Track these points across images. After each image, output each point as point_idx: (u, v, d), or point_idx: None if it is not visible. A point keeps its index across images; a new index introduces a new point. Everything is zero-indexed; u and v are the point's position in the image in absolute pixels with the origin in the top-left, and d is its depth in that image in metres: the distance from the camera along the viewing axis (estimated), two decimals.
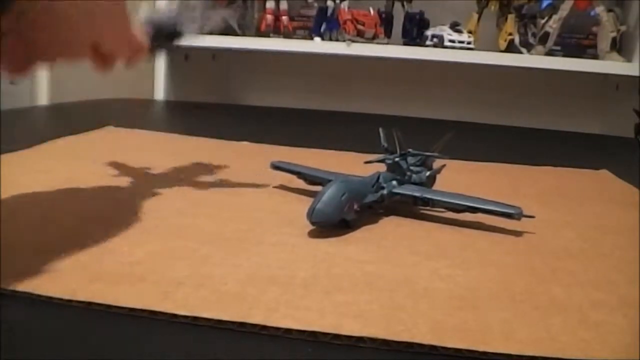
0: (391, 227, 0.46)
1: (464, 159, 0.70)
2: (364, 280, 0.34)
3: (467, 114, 1.36)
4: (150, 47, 0.45)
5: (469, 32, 1.34)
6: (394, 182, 0.48)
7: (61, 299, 0.30)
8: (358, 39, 1.31)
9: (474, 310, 0.31)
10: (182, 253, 0.37)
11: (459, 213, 0.46)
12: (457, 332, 0.29)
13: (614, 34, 1.32)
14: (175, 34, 0.48)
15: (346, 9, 1.32)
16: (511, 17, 1.36)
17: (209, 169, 0.60)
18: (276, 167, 0.54)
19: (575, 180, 0.68)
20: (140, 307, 0.29)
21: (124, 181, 0.54)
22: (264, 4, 1.41)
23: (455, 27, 1.31)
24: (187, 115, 1.12)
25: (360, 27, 1.31)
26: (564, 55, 1.34)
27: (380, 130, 0.51)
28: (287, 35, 1.40)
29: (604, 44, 1.33)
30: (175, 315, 0.29)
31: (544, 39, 1.35)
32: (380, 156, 0.51)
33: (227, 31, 1.48)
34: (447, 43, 1.29)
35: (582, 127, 1.40)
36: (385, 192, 0.47)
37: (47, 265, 0.34)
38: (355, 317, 0.30)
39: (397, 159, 0.49)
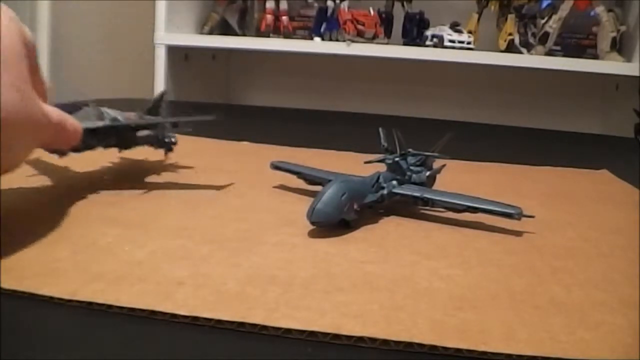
0: (391, 227, 0.46)
1: (464, 159, 0.71)
2: (364, 280, 0.34)
3: (467, 114, 1.36)
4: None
5: (469, 32, 1.34)
6: (394, 182, 0.48)
7: (61, 299, 0.30)
8: (358, 39, 1.31)
9: (474, 310, 0.31)
10: (182, 253, 0.37)
11: (459, 213, 0.46)
12: (457, 332, 0.29)
13: (614, 34, 1.33)
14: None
15: (346, 9, 1.33)
16: (511, 17, 1.36)
17: (208, 168, 0.60)
18: (276, 167, 0.54)
19: (575, 180, 0.68)
20: (140, 307, 0.29)
21: (124, 181, 0.54)
22: (264, 4, 1.42)
23: (455, 27, 1.31)
24: (187, 115, 1.11)
25: (360, 27, 1.31)
26: (564, 55, 1.34)
27: (380, 130, 0.51)
28: (287, 35, 1.41)
29: (604, 44, 1.34)
30: (175, 315, 0.29)
31: (544, 39, 1.35)
32: (380, 156, 0.50)
33: (227, 31, 1.48)
34: (447, 43, 1.29)
35: (582, 127, 1.40)
36: (385, 192, 0.47)
37: (47, 265, 0.34)
38: (355, 317, 0.30)
39: (397, 159, 0.49)
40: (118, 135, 0.53)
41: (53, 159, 0.49)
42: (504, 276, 0.37)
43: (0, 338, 0.26)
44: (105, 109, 0.53)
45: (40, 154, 0.59)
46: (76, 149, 0.48)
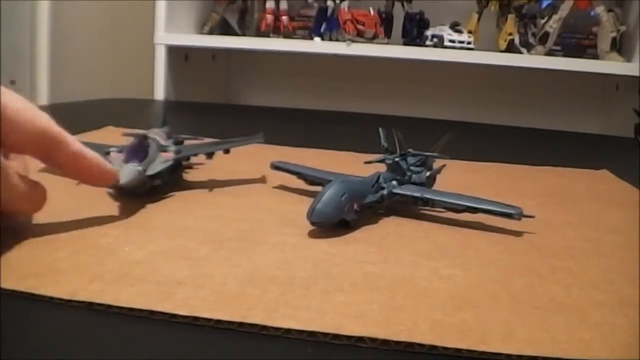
0: (391, 227, 0.46)
1: (464, 159, 0.71)
2: (364, 280, 0.34)
3: (467, 114, 1.36)
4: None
5: (469, 32, 1.34)
6: (394, 182, 0.48)
7: (61, 299, 0.30)
8: (358, 39, 1.31)
9: (474, 310, 0.31)
10: (182, 253, 0.37)
11: (459, 213, 0.46)
12: (457, 332, 0.29)
13: (614, 34, 1.33)
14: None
15: (346, 9, 1.33)
16: (511, 17, 1.36)
17: (208, 168, 0.60)
18: (276, 167, 0.54)
19: (575, 180, 0.68)
20: (140, 307, 0.29)
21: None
22: (264, 4, 1.42)
23: (455, 27, 1.31)
24: (187, 115, 1.12)
25: (360, 27, 1.31)
26: (564, 55, 1.34)
27: (380, 130, 0.51)
28: (287, 35, 1.40)
29: (604, 44, 1.34)
30: (175, 315, 0.29)
31: (544, 39, 1.35)
32: (380, 156, 0.51)
33: (227, 31, 1.48)
34: (447, 43, 1.29)
35: (582, 127, 1.40)
36: (385, 192, 0.47)
37: (47, 265, 0.34)
38: (355, 317, 0.30)
39: (397, 159, 0.50)
40: (174, 167, 0.51)
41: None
42: (504, 276, 0.37)
43: (0, 338, 0.26)
44: (155, 137, 0.52)
45: None
46: (141, 193, 0.47)
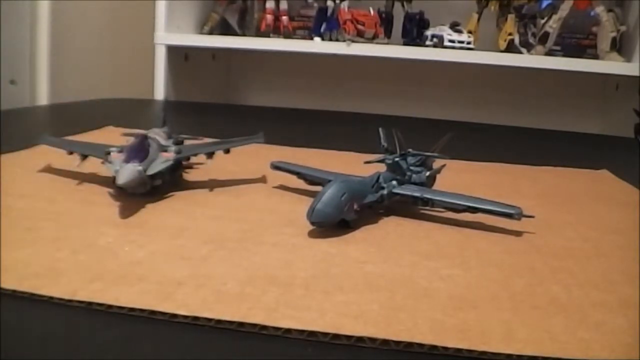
0: (391, 227, 0.46)
1: (464, 159, 0.71)
2: (364, 280, 0.34)
3: (467, 114, 1.36)
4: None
5: (469, 32, 1.34)
6: (394, 182, 0.48)
7: (61, 299, 0.30)
8: (358, 39, 1.31)
9: (474, 310, 0.31)
10: (182, 253, 0.37)
11: (459, 213, 0.46)
12: (457, 332, 0.29)
13: (614, 34, 1.32)
14: None
15: (346, 9, 1.32)
16: (511, 17, 1.36)
17: (208, 168, 0.60)
18: (276, 167, 0.54)
19: (575, 180, 0.68)
20: (140, 307, 0.29)
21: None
22: (264, 4, 1.41)
23: (455, 27, 1.31)
24: (187, 115, 1.12)
25: (360, 27, 1.31)
26: (564, 55, 1.34)
27: (380, 130, 0.51)
28: (287, 35, 1.40)
29: (604, 44, 1.33)
30: (175, 315, 0.29)
31: (544, 39, 1.35)
32: (380, 156, 0.51)
33: (227, 31, 1.48)
34: (447, 43, 1.29)
35: (582, 127, 1.40)
36: (385, 192, 0.47)
37: (47, 265, 0.34)
38: (355, 317, 0.30)
39: (397, 159, 0.50)
40: (174, 167, 0.52)
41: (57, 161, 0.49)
42: (504, 276, 0.37)
43: (0, 338, 0.26)
44: (155, 137, 0.52)
45: (51, 160, 0.59)
46: (142, 193, 0.48)
